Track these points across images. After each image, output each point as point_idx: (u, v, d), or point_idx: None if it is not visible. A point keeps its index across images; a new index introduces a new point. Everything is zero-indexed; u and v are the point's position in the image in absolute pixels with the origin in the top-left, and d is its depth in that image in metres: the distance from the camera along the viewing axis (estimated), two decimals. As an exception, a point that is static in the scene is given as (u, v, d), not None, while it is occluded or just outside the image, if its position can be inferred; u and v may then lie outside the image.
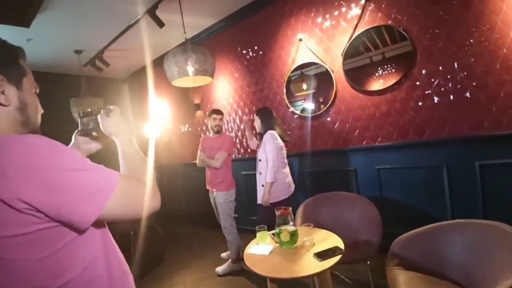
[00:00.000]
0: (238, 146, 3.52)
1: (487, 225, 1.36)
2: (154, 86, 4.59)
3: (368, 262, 1.84)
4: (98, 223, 0.58)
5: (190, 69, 1.99)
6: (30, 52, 3.43)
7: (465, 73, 1.99)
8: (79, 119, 0.78)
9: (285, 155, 2.30)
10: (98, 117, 0.74)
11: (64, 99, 3.69)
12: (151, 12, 2.65)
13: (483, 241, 1.34)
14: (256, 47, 3.14)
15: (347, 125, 2.57)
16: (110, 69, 3.90)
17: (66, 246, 0.54)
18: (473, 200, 2.02)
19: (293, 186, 2.32)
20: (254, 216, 3.29)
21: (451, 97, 2.05)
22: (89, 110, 0.78)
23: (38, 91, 0.65)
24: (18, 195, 0.46)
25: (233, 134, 3.54)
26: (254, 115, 2.34)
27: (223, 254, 2.89)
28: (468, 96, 1.99)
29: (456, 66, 2.01)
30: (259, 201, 2.30)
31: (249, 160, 3.33)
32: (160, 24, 2.70)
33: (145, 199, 0.61)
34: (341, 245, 1.49)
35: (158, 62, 4.08)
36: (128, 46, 3.61)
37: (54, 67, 4.01)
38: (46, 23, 2.75)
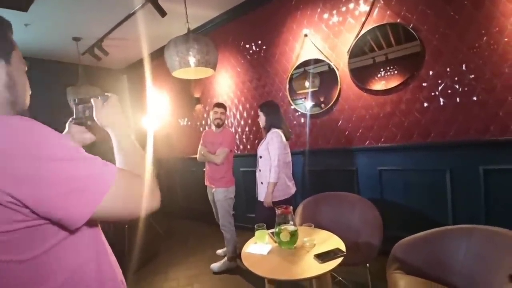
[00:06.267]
0: (238, 142, 3.47)
1: (493, 231, 1.32)
2: (153, 77, 4.51)
3: (368, 265, 1.81)
4: (91, 222, 0.51)
5: (192, 60, 1.93)
6: (27, 38, 3.35)
7: (473, 76, 1.95)
8: (74, 106, 0.70)
9: (289, 155, 2.24)
10: (94, 105, 0.67)
11: (61, 87, 3.60)
12: (153, 1, 2.57)
13: (489, 247, 1.31)
14: (259, 42, 3.07)
15: (350, 125, 2.52)
16: (108, 58, 3.81)
17: (54, 248, 0.47)
18: (476, 205, 1.99)
19: (293, 189, 2.25)
20: (252, 214, 3.25)
21: (458, 99, 2.01)
22: (85, 96, 0.70)
23: (27, 68, 0.58)
24: (1, 187, 0.40)
25: (233, 130, 3.49)
26: (258, 110, 2.27)
27: (219, 251, 2.85)
28: (475, 99, 1.95)
29: (464, 68, 1.97)
30: (259, 198, 2.25)
31: (248, 157, 3.28)
32: (162, 13, 2.62)
33: (143, 197, 0.55)
34: (342, 247, 1.45)
35: (159, 53, 4.00)
36: (128, 36, 3.52)
37: (52, 54, 3.91)
38: (45, 8, 2.66)
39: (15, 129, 0.43)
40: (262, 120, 2.23)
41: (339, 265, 1.32)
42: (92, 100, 0.67)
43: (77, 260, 0.51)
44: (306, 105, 2.77)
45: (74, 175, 0.46)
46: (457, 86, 2.00)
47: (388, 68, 2.25)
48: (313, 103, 2.73)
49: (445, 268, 1.41)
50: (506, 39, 1.81)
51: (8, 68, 0.52)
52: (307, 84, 2.74)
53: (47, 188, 0.43)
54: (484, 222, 1.94)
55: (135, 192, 0.54)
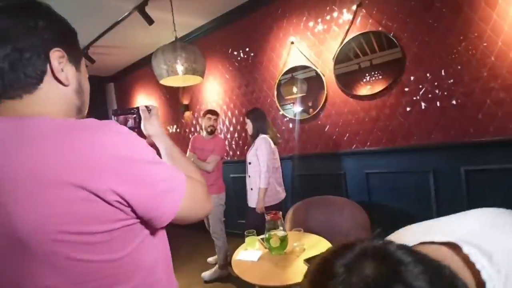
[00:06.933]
0: (227, 148, 3.47)
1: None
2: (141, 85, 4.48)
3: (357, 267, 1.83)
4: None
5: (180, 68, 1.94)
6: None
7: (452, 81, 2.03)
8: (114, 117, 0.74)
9: (277, 160, 2.26)
10: (142, 115, 0.71)
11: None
12: (140, 9, 2.57)
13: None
14: (247, 49, 3.11)
15: (337, 129, 2.57)
16: (95, 66, 3.76)
17: (138, 247, 0.50)
18: (459, 204, 2.05)
19: (283, 194, 2.27)
20: (243, 220, 3.24)
21: (438, 103, 2.09)
22: (126, 108, 0.74)
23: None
24: (111, 186, 0.42)
25: (222, 136, 3.49)
26: (245, 117, 2.29)
27: (210, 259, 2.82)
28: (455, 103, 2.03)
29: (443, 73, 2.05)
30: (249, 204, 2.25)
31: (238, 163, 3.28)
32: (150, 21, 2.63)
33: (205, 199, 0.60)
34: (331, 250, 1.47)
35: (147, 61, 3.98)
36: (115, 43, 3.49)
37: (35, 63, 3.81)
38: (27, 16, 2.61)
39: (116, 134, 0.46)
40: (249, 127, 2.25)
41: (329, 268, 1.33)
42: (140, 110, 0.72)
43: (152, 258, 0.53)
44: (294, 110, 2.81)
45: (164, 177, 0.50)
46: (437, 91, 2.08)
47: (373, 73, 2.31)
48: (302, 108, 2.77)
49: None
50: (485, 44, 1.88)
51: (78, 74, 0.54)
52: (295, 89, 2.79)
53: (147, 188, 0.47)
54: (467, 221, 2.00)
55: (200, 194, 0.58)
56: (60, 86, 0.50)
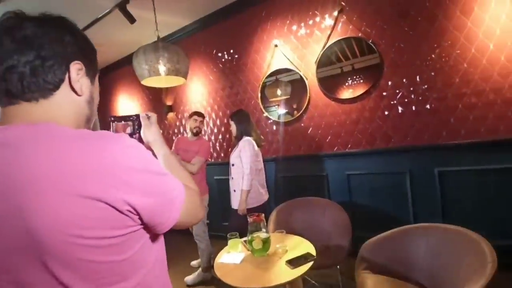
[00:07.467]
0: (211, 150, 3.44)
1: (450, 229, 1.42)
2: (123, 85, 4.36)
3: (338, 266, 1.87)
4: None
5: (162, 68, 1.91)
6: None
7: (426, 86, 2.13)
8: (112, 124, 0.75)
9: (261, 162, 2.27)
10: (142, 122, 0.74)
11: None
12: (122, 7, 2.51)
13: (446, 245, 1.40)
14: (231, 50, 3.11)
15: (320, 132, 2.62)
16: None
17: (140, 248, 0.54)
18: (433, 204, 2.16)
19: (266, 196, 2.28)
20: (227, 222, 3.22)
21: (413, 108, 2.19)
22: (124, 114, 0.76)
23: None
24: (123, 197, 0.46)
25: (206, 137, 3.46)
26: (230, 119, 2.29)
27: (193, 262, 2.78)
28: (428, 107, 2.13)
29: (418, 79, 2.15)
30: (232, 206, 2.25)
31: (222, 165, 3.27)
32: (131, 19, 2.57)
33: (199, 206, 0.64)
34: (312, 251, 1.50)
35: (128, 60, 3.88)
36: (95, 41, 3.33)
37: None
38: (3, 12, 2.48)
39: (129, 146, 0.49)
40: (233, 129, 2.25)
41: (311, 268, 1.36)
42: (141, 118, 0.75)
43: (152, 258, 0.57)
44: (278, 113, 2.84)
45: (170, 188, 0.55)
46: (412, 96, 2.18)
47: (354, 77, 2.39)
48: (286, 110, 2.80)
49: (407, 265, 1.51)
50: (458, 51, 1.98)
51: (91, 87, 0.59)
52: (279, 92, 2.82)
53: (155, 198, 0.51)
54: (441, 220, 2.10)
55: (195, 203, 0.62)
56: (74, 95, 0.54)
